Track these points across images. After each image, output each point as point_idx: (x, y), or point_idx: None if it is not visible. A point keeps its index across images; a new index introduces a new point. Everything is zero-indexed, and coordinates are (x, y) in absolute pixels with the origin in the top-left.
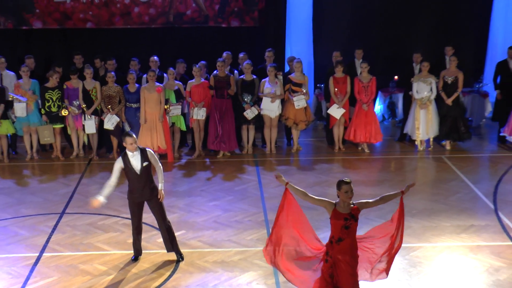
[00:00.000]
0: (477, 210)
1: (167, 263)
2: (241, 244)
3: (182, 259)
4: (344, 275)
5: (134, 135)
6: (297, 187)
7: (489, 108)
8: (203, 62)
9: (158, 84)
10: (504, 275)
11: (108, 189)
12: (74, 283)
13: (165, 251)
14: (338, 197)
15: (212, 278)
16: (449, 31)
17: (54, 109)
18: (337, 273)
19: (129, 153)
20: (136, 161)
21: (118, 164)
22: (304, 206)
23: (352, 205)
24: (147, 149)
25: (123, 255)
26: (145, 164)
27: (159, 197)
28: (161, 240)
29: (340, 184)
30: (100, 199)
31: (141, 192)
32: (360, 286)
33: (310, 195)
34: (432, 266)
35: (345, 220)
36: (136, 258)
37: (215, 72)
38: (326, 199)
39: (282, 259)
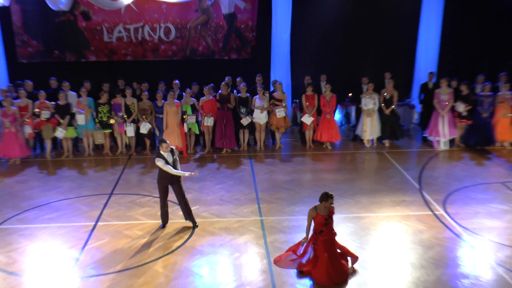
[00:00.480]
0: (407, 189)
1: (185, 229)
2: (239, 215)
3: (197, 226)
4: (331, 245)
5: (168, 141)
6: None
7: (415, 116)
8: (211, 84)
9: (176, 100)
10: (426, 235)
11: (176, 171)
12: (119, 244)
13: (184, 220)
14: (320, 203)
15: (219, 240)
16: (387, 61)
17: (104, 119)
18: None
19: (163, 152)
20: (168, 157)
21: (161, 161)
22: None
23: (330, 208)
24: (173, 147)
25: (154, 223)
26: (174, 157)
27: (180, 181)
28: (181, 213)
29: (328, 197)
30: (187, 174)
31: (170, 178)
32: None
33: (307, 225)
34: (376, 229)
35: (325, 220)
36: (163, 225)
37: (220, 91)
38: (310, 213)
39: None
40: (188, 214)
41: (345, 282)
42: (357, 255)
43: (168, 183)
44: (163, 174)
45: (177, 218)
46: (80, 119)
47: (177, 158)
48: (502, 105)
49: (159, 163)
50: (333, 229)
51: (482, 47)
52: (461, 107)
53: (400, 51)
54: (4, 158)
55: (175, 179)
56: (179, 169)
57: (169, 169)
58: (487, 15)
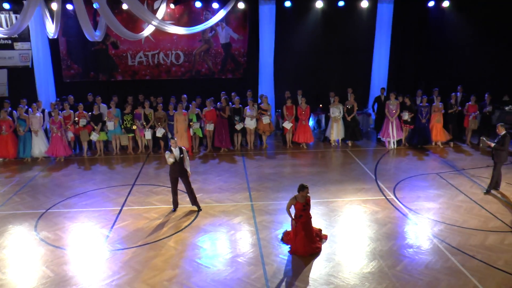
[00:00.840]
0: (365, 179)
1: (192, 212)
2: (234, 201)
3: (200, 210)
4: (308, 226)
5: (175, 139)
6: (288, 211)
7: (371, 122)
8: (212, 98)
9: (184, 111)
10: (380, 214)
11: (186, 162)
12: (140, 224)
13: (190, 205)
14: (298, 193)
15: (218, 220)
16: (348, 79)
17: (128, 125)
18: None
19: (173, 149)
20: (176, 153)
21: (167, 153)
22: None
23: (306, 197)
24: (183, 147)
25: (167, 208)
26: (181, 155)
27: (187, 174)
28: (188, 199)
29: (303, 188)
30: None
31: (178, 171)
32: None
33: (288, 207)
34: (342, 211)
35: (303, 206)
36: (174, 210)
37: (219, 103)
38: (290, 201)
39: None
40: (193, 200)
41: (317, 254)
42: (327, 234)
43: (177, 176)
44: (172, 168)
45: (185, 204)
46: (110, 125)
47: (185, 156)
48: (436, 113)
49: (166, 155)
50: (309, 214)
51: (420, 69)
52: (406, 115)
53: (358, 72)
54: (52, 156)
55: (183, 173)
56: (187, 164)
57: (168, 157)
58: (423, 45)
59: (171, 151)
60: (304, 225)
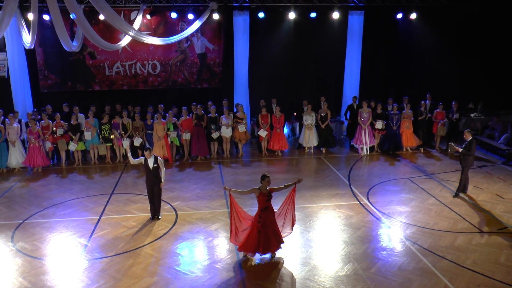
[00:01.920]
0: (339, 185)
1: (169, 220)
2: (211, 208)
3: (159, 218)
4: (271, 224)
5: (150, 149)
6: (234, 190)
7: (344, 129)
8: (185, 107)
9: (163, 120)
10: (354, 219)
11: (131, 158)
12: (118, 233)
13: (165, 212)
14: (261, 183)
15: (196, 227)
16: (321, 88)
17: (106, 135)
18: (265, 228)
19: (147, 158)
20: (150, 163)
21: (140, 160)
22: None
23: (269, 188)
24: (158, 157)
25: (145, 216)
26: (155, 165)
27: (160, 184)
28: (167, 207)
29: (265, 177)
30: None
31: (152, 180)
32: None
33: (243, 191)
34: (317, 216)
35: (267, 196)
36: (152, 218)
37: (194, 112)
38: (253, 188)
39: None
40: (156, 210)
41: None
42: (285, 240)
43: (151, 184)
44: (147, 177)
45: (162, 212)
46: (88, 135)
47: (160, 165)
48: (406, 120)
49: (133, 160)
50: (272, 206)
51: (390, 77)
52: (380, 125)
53: (331, 81)
54: (29, 166)
55: (157, 182)
56: (163, 174)
57: (131, 159)
58: (393, 55)
59: (145, 160)
60: (265, 222)
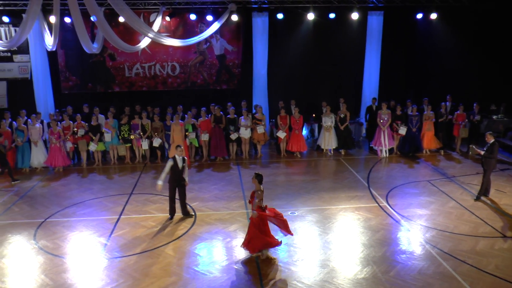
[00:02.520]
0: (358, 187)
1: (188, 220)
2: (230, 209)
3: (192, 216)
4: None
5: (182, 147)
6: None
7: (363, 131)
8: (204, 108)
9: (180, 121)
10: (373, 221)
11: (163, 175)
12: (137, 232)
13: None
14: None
15: (214, 228)
16: (340, 89)
17: (125, 136)
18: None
19: (177, 157)
20: (180, 162)
21: (170, 163)
22: None
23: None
24: (185, 157)
25: (164, 216)
26: (184, 164)
27: (185, 184)
28: (187, 207)
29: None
30: (160, 182)
31: (177, 180)
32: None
33: (261, 200)
34: (335, 218)
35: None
36: (171, 217)
37: (213, 113)
38: (261, 192)
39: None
40: (184, 210)
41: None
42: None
43: (176, 184)
44: (172, 177)
45: (180, 212)
46: (107, 136)
47: (185, 166)
48: (427, 122)
49: (168, 162)
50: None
51: (409, 79)
52: (404, 131)
53: (350, 82)
54: (50, 166)
55: (182, 182)
56: (186, 174)
57: (167, 168)
58: (412, 56)
59: (174, 159)
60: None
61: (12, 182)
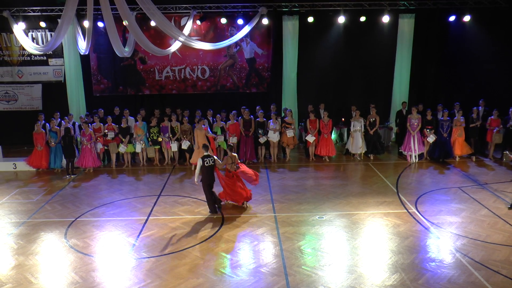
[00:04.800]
0: (387, 193)
1: (216, 223)
2: (258, 212)
3: (220, 206)
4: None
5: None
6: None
7: (393, 136)
8: (235, 111)
9: (204, 126)
10: (402, 228)
11: (197, 174)
12: (166, 234)
13: (215, 215)
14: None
15: (242, 231)
16: (370, 93)
17: (155, 138)
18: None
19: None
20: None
21: (200, 163)
22: None
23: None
24: (215, 156)
25: (192, 218)
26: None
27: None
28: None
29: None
30: (196, 180)
31: (211, 178)
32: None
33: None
34: (363, 224)
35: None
36: (211, 212)
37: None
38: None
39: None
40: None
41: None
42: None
43: (210, 183)
44: (204, 176)
45: (210, 214)
46: (138, 148)
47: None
48: (458, 127)
49: (197, 174)
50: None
51: (440, 83)
52: (432, 139)
53: (380, 86)
54: (81, 167)
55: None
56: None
57: (198, 169)
58: (444, 59)
59: (204, 159)
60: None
61: (67, 176)
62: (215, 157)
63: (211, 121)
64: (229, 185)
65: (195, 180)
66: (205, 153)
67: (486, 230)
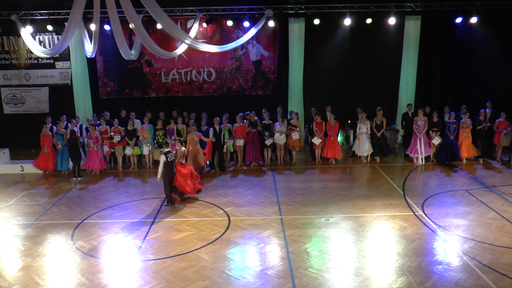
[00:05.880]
0: (393, 195)
1: (222, 225)
2: (264, 215)
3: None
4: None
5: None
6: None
7: (399, 138)
8: (241, 114)
9: (198, 133)
10: (409, 230)
11: (161, 171)
12: (172, 236)
13: (219, 218)
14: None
15: (248, 233)
16: (377, 96)
17: (160, 140)
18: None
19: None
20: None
21: (164, 158)
22: None
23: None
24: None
25: (198, 220)
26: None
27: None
28: (220, 211)
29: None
30: (160, 177)
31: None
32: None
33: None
34: (370, 226)
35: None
36: (172, 204)
37: (248, 119)
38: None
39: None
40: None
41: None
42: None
43: (172, 176)
44: (167, 171)
45: (215, 216)
46: (145, 150)
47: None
48: (464, 130)
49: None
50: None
51: (446, 85)
52: (437, 141)
53: (386, 88)
54: (88, 170)
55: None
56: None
57: (161, 165)
58: (450, 61)
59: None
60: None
61: (74, 178)
62: (174, 152)
63: (217, 129)
64: (182, 175)
65: (158, 177)
66: (166, 149)
67: (494, 233)
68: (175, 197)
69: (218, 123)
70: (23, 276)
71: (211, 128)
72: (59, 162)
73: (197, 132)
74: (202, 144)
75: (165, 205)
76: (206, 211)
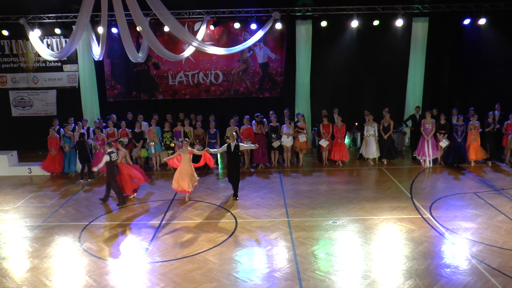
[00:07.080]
0: (401, 198)
1: (229, 228)
2: (271, 217)
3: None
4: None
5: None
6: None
7: (406, 141)
8: (248, 116)
9: (190, 148)
10: (416, 233)
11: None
12: (179, 238)
13: (226, 221)
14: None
15: (255, 235)
16: (384, 98)
17: (168, 142)
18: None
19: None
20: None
21: (107, 158)
22: None
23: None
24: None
25: (205, 223)
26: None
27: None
28: (228, 213)
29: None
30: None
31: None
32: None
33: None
34: (377, 229)
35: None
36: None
37: (255, 121)
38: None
39: None
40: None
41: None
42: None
43: (115, 174)
44: (109, 170)
45: (223, 219)
46: (152, 149)
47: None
48: (472, 132)
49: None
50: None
51: (454, 87)
52: (445, 143)
53: (393, 90)
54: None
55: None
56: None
57: (102, 163)
58: (458, 63)
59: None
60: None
61: (81, 180)
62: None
63: (232, 146)
64: (124, 174)
65: (95, 169)
66: (109, 150)
67: (503, 236)
68: (128, 194)
69: (235, 139)
70: (31, 277)
71: (223, 137)
72: (67, 165)
73: (189, 148)
74: (196, 158)
75: (117, 205)
76: (213, 213)
